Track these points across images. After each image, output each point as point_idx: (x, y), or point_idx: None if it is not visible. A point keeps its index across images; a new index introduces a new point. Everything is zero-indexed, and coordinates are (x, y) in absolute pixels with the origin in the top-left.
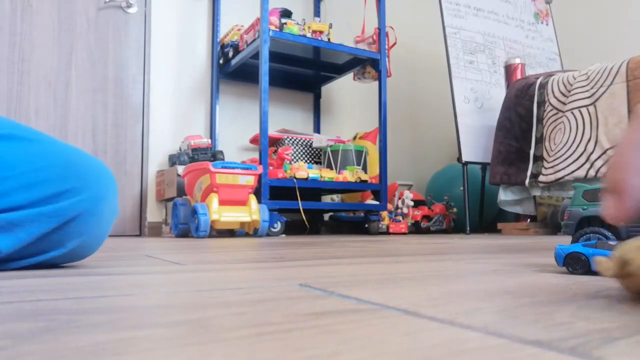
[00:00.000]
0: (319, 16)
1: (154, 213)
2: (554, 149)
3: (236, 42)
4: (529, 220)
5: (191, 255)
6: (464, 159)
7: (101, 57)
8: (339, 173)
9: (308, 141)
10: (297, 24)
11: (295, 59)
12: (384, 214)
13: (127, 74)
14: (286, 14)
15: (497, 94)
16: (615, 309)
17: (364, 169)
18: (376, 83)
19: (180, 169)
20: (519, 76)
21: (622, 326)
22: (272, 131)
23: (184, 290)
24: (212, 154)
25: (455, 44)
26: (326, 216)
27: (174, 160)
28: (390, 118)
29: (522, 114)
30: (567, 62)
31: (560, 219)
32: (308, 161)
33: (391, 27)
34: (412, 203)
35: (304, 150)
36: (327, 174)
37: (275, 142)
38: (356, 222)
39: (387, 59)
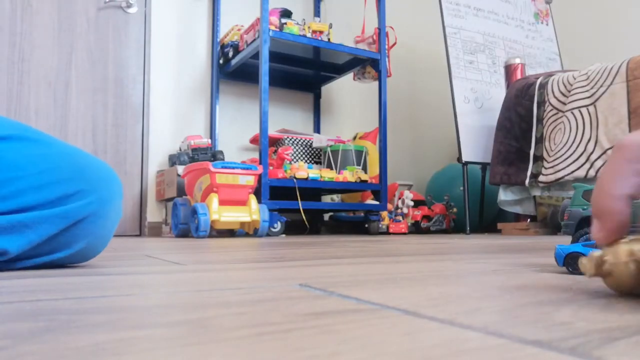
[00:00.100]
0: (319, 16)
1: (154, 213)
2: (554, 149)
3: (236, 42)
4: (529, 220)
5: (191, 255)
6: (464, 159)
7: (101, 57)
8: (339, 173)
9: (308, 141)
10: (297, 24)
11: (295, 59)
12: (384, 214)
13: (127, 74)
14: (286, 14)
15: (497, 94)
16: (615, 309)
17: (364, 169)
18: (376, 83)
19: (180, 169)
20: (519, 76)
21: (622, 326)
22: (272, 131)
23: (184, 290)
24: (212, 154)
25: (455, 44)
26: (326, 216)
27: (174, 160)
28: (390, 118)
29: (522, 114)
30: (567, 62)
31: (560, 219)
32: (308, 161)
33: (391, 27)
34: (412, 203)
35: (304, 150)
36: (327, 174)
37: (275, 142)
38: (356, 222)
39: (387, 59)
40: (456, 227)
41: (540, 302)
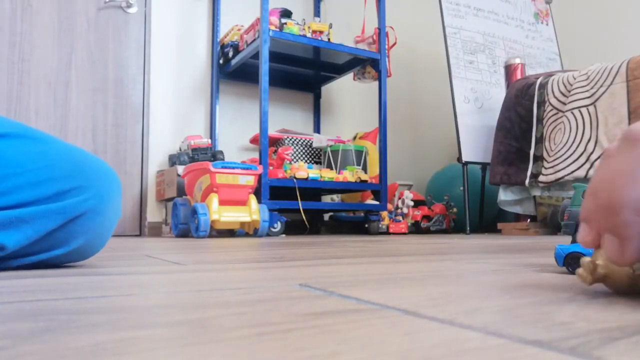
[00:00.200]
0: (319, 16)
1: (154, 213)
2: (554, 149)
3: (236, 42)
4: (529, 220)
5: (191, 255)
6: (464, 159)
7: (101, 57)
8: (339, 173)
9: (308, 141)
10: (297, 24)
11: (295, 59)
12: (384, 214)
13: (127, 74)
14: (286, 14)
15: (497, 94)
16: (615, 309)
17: (364, 169)
18: (376, 83)
19: (180, 169)
20: (519, 76)
21: (622, 326)
22: (272, 131)
23: (184, 290)
24: (212, 154)
25: (455, 44)
26: (326, 216)
27: (174, 160)
28: (390, 118)
29: (522, 114)
30: (567, 62)
31: (560, 219)
32: (308, 161)
33: (391, 27)
34: (412, 203)
35: (304, 150)
36: (327, 174)
37: (275, 142)
38: (356, 222)
39: (387, 59)
40: (456, 227)
41: (540, 302)
